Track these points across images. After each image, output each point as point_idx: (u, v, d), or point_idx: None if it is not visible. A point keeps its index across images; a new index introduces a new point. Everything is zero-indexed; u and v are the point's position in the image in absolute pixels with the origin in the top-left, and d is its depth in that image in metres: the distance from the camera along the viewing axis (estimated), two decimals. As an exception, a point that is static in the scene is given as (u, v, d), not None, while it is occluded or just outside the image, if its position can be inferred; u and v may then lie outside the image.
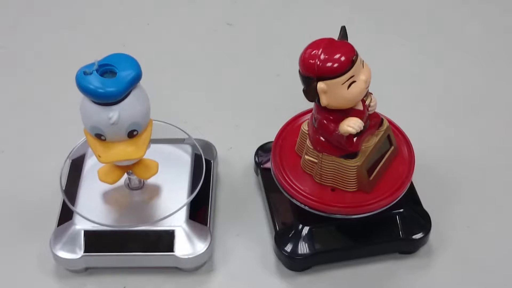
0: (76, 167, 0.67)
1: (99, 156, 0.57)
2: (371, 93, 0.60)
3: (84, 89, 0.54)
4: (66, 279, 0.64)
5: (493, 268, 0.65)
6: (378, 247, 0.64)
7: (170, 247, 0.62)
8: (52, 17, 0.93)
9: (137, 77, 0.55)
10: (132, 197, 0.65)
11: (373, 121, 0.61)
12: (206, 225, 0.64)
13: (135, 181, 0.65)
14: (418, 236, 0.63)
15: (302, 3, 0.95)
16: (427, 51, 0.87)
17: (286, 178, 0.63)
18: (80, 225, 0.62)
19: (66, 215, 0.64)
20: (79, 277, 0.64)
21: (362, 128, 0.57)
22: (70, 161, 0.68)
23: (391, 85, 0.81)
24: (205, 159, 0.68)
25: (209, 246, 0.63)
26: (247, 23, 0.92)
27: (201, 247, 0.62)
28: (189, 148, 0.69)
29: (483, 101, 0.81)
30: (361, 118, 0.57)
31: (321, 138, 0.60)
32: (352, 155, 0.60)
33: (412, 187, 0.66)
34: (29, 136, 0.77)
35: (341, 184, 0.61)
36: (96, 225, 0.62)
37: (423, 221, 0.64)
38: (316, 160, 0.61)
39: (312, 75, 0.55)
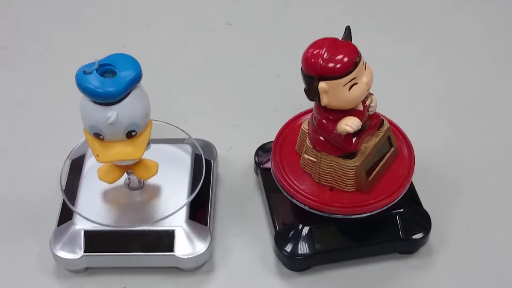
0: (76, 167, 0.67)
1: (97, 156, 0.57)
2: (371, 94, 0.60)
3: (84, 88, 0.54)
4: (66, 279, 0.64)
5: (493, 268, 0.65)
6: (378, 247, 0.64)
7: (170, 247, 0.62)
8: (52, 17, 0.93)
9: (137, 78, 0.55)
10: (132, 197, 0.65)
11: (373, 121, 0.61)
12: (206, 225, 0.64)
13: (135, 181, 0.65)
14: (418, 236, 0.63)
15: (302, 3, 0.95)
16: (427, 51, 0.87)
17: (286, 177, 0.63)
18: (80, 225, 0.62)
19: (66, 215, 0.64)
20: (79, 277, 0.64)
21: (360, 127, 0.57)
22: (70, 161, 0.68)
23: (391, 85, 0.81)
24: (205, 159, 0.68)
25: (209, 246, 0.63)
26: (247, 23, 0.92)
27: (201, 247, 0.62)
28: (189, 148, 0.69)
29: (483, 101, 0.81)
30: (360, 119, 0.57)
31: (321, 137, 0.60)
32: (351, 155, 0.60)
33: (412, 187, 0.66)
34: (29, 136, 0.77)
35: (339, 184, 0.61)
36: (96, 225, 0.62)
37: (423, 221, 0.64)
38: (315, 160, 0.61)
39: (314, 74, 0.55)
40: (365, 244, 0.64)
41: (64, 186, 0.66)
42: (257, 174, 0.71)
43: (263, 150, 0.71)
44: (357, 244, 0.64)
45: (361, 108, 0.58)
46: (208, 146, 0.71)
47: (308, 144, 0.62)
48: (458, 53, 0.87)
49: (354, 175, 0.60)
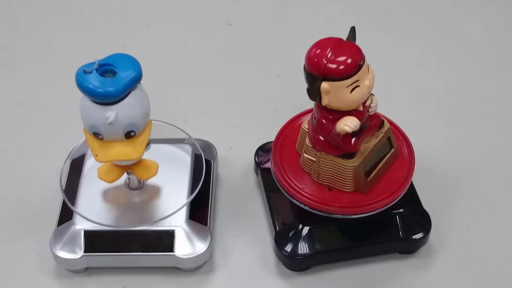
0: (76, 167, 0.67)
1: (96, 155, 0.57)
2: (372, 94, 0.59)
3: (83, 88, 0.54)
4: (66, 279, 0.64)
5: (493, 268, 0.65)
6: (378, 247, 0.64)
7: (170, 247, 0.62)
8: (52, 17, 0.93)
9: (137, 78, 0.55)
10: (132, 197, 0.65)
11: (373, 122, 0.61)
12: (206, 225, 0.64)
13: (134, 181, 0.65)
14: (418, 236, 0.63)
15: (302, 3, 0.95)
16: (427, 51, 0.87)
17: (286, 178, 0.63)
18: (80, 225, 0.62)
19: (66, 215, 0.64)
20: (79, 277, 0.64)
21: (358, 127, 0.57)
22: (70, 161, 0.68)
23: (391, 85, 0.81)
24: (205, 159, 0.68)
25: (209, 246, 0.63)
26: (247, 23, 0.92)
27: (201, 247, 0.62)
28: (189, 148, 0.69)
29: (483, 101, 0.81)
30: (360, 119, 0.57)
31: (320, 137, 0.60)
32: (350, 155, 0.60)
33: (412, 187, 0.66)
34: (29, 136, 0.77)
35: (338, 183, 0.61)
36: (96, 225, 0.62)
37: (423, 221, 0.64)
38: (314, 159, 0.61)
39: (317, 74, 0.55)
40: (365, 244, 0.64)
41: (64, 186, 0.66)
42: (257, 174, 0.71)
43: (263, 150, 0.71)
44: (357, 244, 0.64)
45: (361, 108, 0.58)
46: (208, 146, 0.71)
47: (307, 143, 0.62)
48: (458, 53, 0.87)
49: (352, 175, 0.60)
